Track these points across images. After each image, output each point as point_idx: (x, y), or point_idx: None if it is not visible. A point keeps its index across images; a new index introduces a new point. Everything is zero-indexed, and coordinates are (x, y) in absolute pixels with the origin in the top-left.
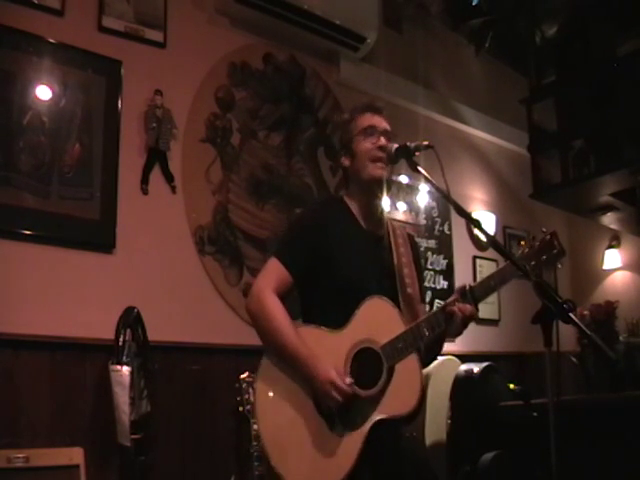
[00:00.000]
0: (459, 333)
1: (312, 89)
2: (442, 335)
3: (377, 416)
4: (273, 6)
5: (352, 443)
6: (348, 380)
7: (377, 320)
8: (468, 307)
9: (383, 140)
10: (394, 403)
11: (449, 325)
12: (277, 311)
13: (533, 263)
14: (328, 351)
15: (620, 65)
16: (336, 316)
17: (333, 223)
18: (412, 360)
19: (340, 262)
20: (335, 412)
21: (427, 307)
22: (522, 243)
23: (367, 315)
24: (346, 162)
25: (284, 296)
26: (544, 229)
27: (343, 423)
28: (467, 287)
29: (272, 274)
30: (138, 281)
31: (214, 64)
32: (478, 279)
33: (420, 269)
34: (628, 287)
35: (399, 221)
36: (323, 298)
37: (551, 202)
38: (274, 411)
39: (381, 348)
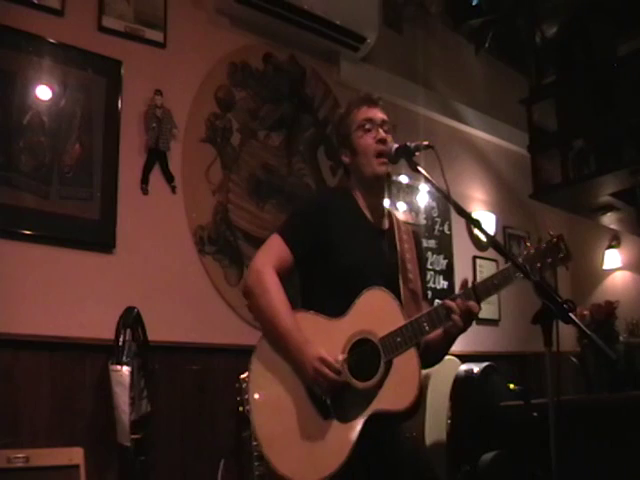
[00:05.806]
0: (461, 330)
1: (312, 89)
2: (448, 334)
3: (372, 409)
4: (273, 6)
5: (346, 435)
6: (340, 357)
7: (377, 312)
8: (467, 303)
9: (382, 132)
10: (391, 398)
11: (450, 321)
12: (275, 290)
13: (538, 265)
14: (325, 339)
15: (620, 65)
16: (336, 303)
17: (340, 210)
18: (411, 356)
19: (343, 248)
20: (327, 395)
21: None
22: (527, 244)
23: (367, 306)
24: (346, 159)
25: (283, 276)
26: (551, 232)
27: (337, 413)
28: (470, 284)
29: (274, 251)
30: (138, 281)
31: (214, 64)
32: (478, 279)
33: (423, 266)
34: (628, 287)
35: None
36: (323, 284)
37: (551, 202)
38: (267, 395)
39: (379, 341)
